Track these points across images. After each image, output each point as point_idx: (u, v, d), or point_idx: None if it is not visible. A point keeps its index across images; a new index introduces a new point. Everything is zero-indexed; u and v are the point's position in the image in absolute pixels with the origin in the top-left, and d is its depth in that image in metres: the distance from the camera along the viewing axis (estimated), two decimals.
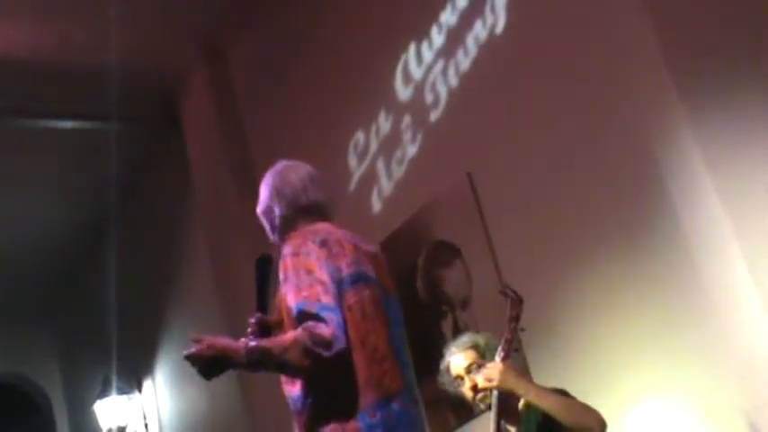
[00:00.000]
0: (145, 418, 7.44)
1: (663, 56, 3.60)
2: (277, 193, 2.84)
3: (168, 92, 6.37)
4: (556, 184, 4.05)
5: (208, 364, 2.50)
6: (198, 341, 2.51)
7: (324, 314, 2.49)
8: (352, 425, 2.51)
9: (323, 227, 2.75)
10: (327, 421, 2.52)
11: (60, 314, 8.62)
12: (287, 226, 2.81)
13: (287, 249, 2.65)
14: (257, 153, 5.94)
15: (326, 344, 2.45)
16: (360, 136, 5.14)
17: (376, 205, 5.03)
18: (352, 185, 5.18)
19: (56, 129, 6.41)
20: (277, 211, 2.83)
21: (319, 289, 2.54)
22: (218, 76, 6.15)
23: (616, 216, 3.80)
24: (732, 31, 3.71)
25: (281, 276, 2.61)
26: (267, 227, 2.88)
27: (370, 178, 5.07)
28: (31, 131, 6.38)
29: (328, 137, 5.35)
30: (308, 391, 2.56)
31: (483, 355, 3.46)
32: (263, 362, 2.48)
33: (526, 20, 4.20)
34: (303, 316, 2.50)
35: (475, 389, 3.40)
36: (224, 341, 2.52)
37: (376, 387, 2.56)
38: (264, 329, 2.67)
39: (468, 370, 3.46)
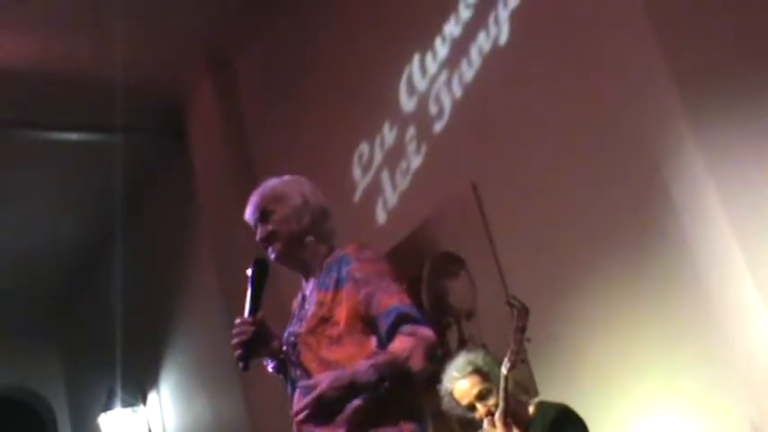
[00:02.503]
0: (150, 430, 7.43)
1: (666, 65, 3.61)
2: (306, 203, 2.78)
3: (173, 103, 6.39)
4: (560, 194, 4.05)
5: (334, 402, 2.46)
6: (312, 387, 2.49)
7: (420, 318, 2.52)
8: (408, 426, 2.51)
9: None
10: (379, 422, 2.48)
11: (65, 326, 8.62)
12: (297, 239, 2.74)
13: (363, 253, 2.63)
14: (262, 164, 5.95)
15: (435, 345, 2.49)
16: (364, 147, 5.15)
17: (381, 216, 5.03)
18: (357, 197, 5.18)
19: (61, 140, 6.42)
20: (305, 220, 2.75)
21: (407, 297, 2.56)
22: (223, 88, 6.16)
23: (621, 226, 3.80)
24: (736, 40, 3.71)
25: (357, 275, 2.56)
26: (271, 225, 2.74)
27: (374, 189, 5.08)
28: (36, 143, 6.39)
29: (333, 148, 5.36)
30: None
31: (487, 376, 3.45)
32: (390, 374, 2.46)
33: (529, 31, 4.20)
34: (402, 318, 2.50)
35: (489, 414, 3.39)
36: (346, 372, 2.48)
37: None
38: (261, 332, 2.60)
39: (479, 397, 3.45)
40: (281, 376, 2.71)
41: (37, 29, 5.56)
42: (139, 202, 7.13)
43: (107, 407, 7.35)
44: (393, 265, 2.66)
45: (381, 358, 2.48)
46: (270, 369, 2.69)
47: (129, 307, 7.06)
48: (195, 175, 6.39)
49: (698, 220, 3.50)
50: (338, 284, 2.60)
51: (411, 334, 2.48)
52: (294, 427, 2.58)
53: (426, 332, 2.49)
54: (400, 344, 2.48)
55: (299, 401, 2.57)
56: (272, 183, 2.86)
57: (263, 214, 2.77)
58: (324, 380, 2.47)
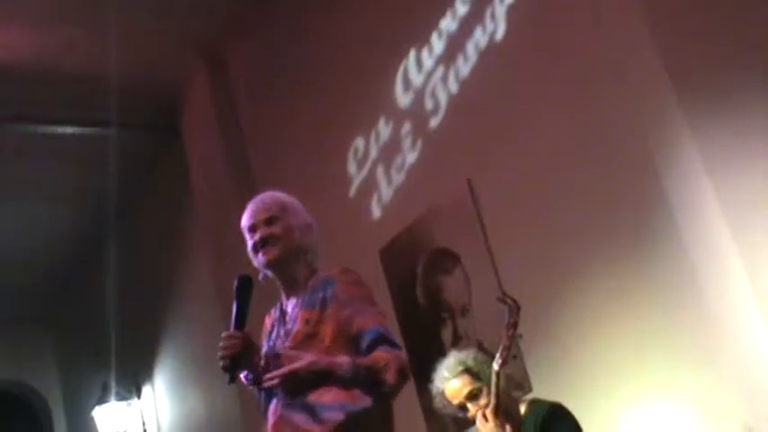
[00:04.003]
0: (144, 424, 7.44)
1: (663, 64, 3.60)
2: (310, 226, 2.86)
3: (168, 98, 6.38)
4: (555, 190, 4.05)
5: (305, 382, 2.55)
6: (292, 357, 2.57)
7: (396, 342, 2.66)
8: None
9: None
10: None
11: (60, 320, 8.62)
12: (295, 253, 2.81)
13: (348, 276, 2.75)
14: (257, 160, 5.95)
15: (407, 366, 2.62)
16: (360, 142, 5.14)
17: (376, 212, 5.03)
18: (352, 192, 5.18)
19: (56, 135, 6.41)
20: (306, 239, 2.83)
21: (385, 321, 2.71)
22: (217, 83, 6.16)
23: (616, 223, 3.80)
24: (732, 37, 3.71)
25: (342, 297, 2.69)
26: (274, 229, 2.80)
27: (369, 185, 5.07)
28: (31, 138, 6.39)
29: (328, 143, 5.35)
30: (347, 404, 2.59)
31: (477, 376, 3.45)
32: (364, 377, 2.56)
33: (526, 27, 4.20)
34: (381, 339, 2.63)
35: (483, 415, 3.39)
36: (325, 360, 2.57)
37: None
38: (247, 346, 2.65)
39: (470, 397, 3.45)
40: (254, 388, 2.78)
41: (32, 24, 5.54)
42: (135, 197, 7.12)
43: (101, 400, 7.35)
44: (371, 289, 2.80)
45: (362, 360, 2.58)
46: (244, 380, 2.74)
47: (124, 301, 7.06)
48: (190, 170, 6.39)
49: (694, 219, 3.50)
50: (324, 304, 2.71)
51: (388, 351, 2.61)
52: (272, 428, 2.67)
53: (401, 353, 2.63)
54: (379, 355, 2.60)
55: (276, 414, 2.66)
56: (278, 194, 2.93)
57: (272, 217, 2.82)
58: (304, 357, 2.55)
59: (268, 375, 2.55)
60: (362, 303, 2.70)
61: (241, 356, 2.61)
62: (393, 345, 2.63)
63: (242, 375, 2.71)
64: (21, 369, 8.59)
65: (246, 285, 2.71)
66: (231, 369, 2.60)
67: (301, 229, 2.83)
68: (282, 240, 2.79)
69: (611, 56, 3.80)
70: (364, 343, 2.63)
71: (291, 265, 2.81)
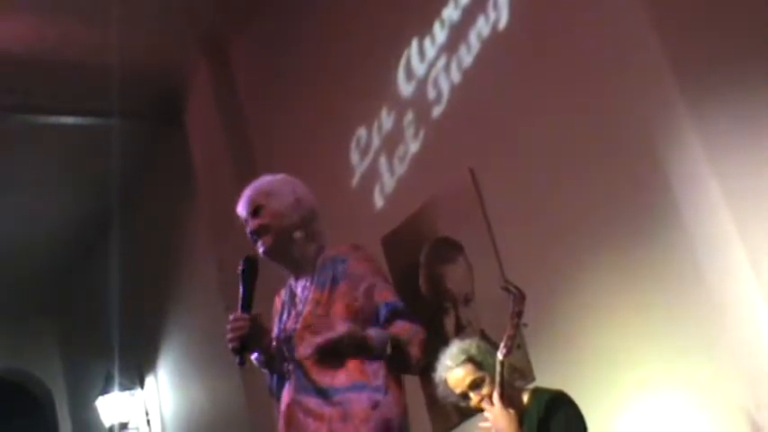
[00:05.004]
0: (147, 414, 7.45)
1: (666, 54, 3.60)
2: (298, 201, 2.84)
3: (171, 88, 6.37)
4: (558, 179, 4.05)
5: (343, 349, 2.58)
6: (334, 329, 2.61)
7: (414, 317, 2.71)
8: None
9: None
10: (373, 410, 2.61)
11: (63, 310, 8.63)
12: (287, 235, 2.81)
13: (359, 253, 2.77)
14: (260, 149, 5.95)
15: (427, 340, 2.69)
16: (362, 132, 5.14)
17: (378, 201, 5.03)
18: (355, 182, 5.18)
19: (58, 125, 6.41)
20: (296, 217, 2.82)
21: (399, 297, 2.76)
22: (220, 73, 6.15)
23: (619, 212, 3.80)
24: (735, 29, 3.71)
25: (354, 272, 2.71)
26: (262, 219, 2.80)
27: (372, 174, 5.07)
28: (33, 128, 6.38)
29: (331, 133, 5.35)
30: (360, 385, 2.61)
31: (480, 365, 3.46)
32: (395, 349, 2.61)
33: (529, 16, 4.19)
34: (402, 311, 2.70)
35: (488, 400, 3.40)
36: (360, 330, 2.62)
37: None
38: (256, 328, 2.67)
39: (472, 386, 3.45)
40: (265, 370, 2.80)
41: (33, 13, 5.53)
42: (137, 186, 7.12)
43: (105, 390, 7.36)
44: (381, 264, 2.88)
45: (395, 330, 2.63)
46: (256, 362, 2.76)
47: (127, 291, 7.07)
48: (193, 159, 6.39)
49: (697, 207, 3.50)
50: (334, 282, 2.72)
51: (408, 325, 2.66)
52: (284, 411, 2.67)
53: (420, 328, 2.68)
54: (402, 326, 2.65)
55: (288, 398, 2.66)
56: (265, 179, 2.92)
57: (256, 208, 2.82)
58: (341, 329, 2.59)
59: (318, 340, 2.57)
60: (376, 277, 2.73)
61: (249, 338, 2.62)
62: (411, 319, 2.67)
63: (253, 357, 2.72)
64: (24, 359, 8.61)
65: (252, 267, 2.71)
66: (240, 351, 2.61)
67: (288, 209, 2.82)
68: (272, 228, 2.79)
69: (614, 45, 3.79)
70: (384, 313, 2.67)
71: (287, 247, 2.81)
